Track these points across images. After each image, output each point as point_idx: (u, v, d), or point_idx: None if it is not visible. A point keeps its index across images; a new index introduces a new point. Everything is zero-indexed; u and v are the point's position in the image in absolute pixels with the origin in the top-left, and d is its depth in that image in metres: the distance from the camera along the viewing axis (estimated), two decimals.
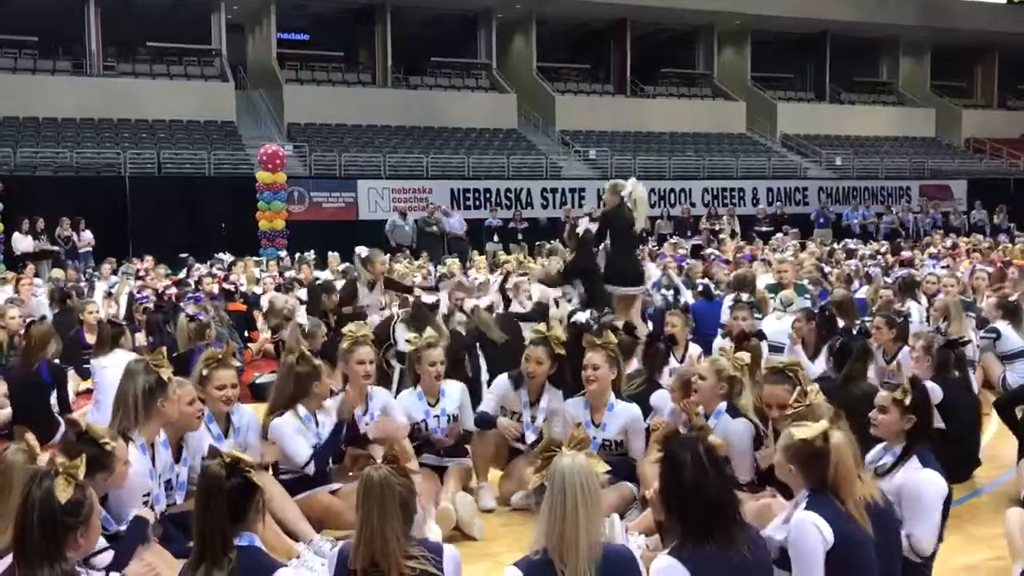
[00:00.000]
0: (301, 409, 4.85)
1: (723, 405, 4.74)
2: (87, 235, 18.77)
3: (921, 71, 36.02)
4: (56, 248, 17.85)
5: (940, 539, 3.86)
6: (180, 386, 4.25)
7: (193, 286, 12.08)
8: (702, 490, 2.95)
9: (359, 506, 3.04)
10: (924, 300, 9.42)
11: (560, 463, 2.93)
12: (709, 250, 16.69)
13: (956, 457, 5.49)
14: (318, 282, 8.73)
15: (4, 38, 25.61)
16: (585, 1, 29.12)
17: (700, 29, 33.19)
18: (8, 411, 6.90)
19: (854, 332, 6.10)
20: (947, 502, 3.87)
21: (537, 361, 5.34)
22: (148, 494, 3.88)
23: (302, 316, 9.10)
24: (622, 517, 4.72)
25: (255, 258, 16.29)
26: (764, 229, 22.65)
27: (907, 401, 3.92)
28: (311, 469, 4.68)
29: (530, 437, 5.32)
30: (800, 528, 3.12)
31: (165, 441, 4.20)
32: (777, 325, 7.45)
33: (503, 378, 5.49)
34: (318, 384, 4.91)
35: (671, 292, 10.24)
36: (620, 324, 6.53)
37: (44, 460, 3.09)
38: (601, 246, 9.00)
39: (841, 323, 6.95)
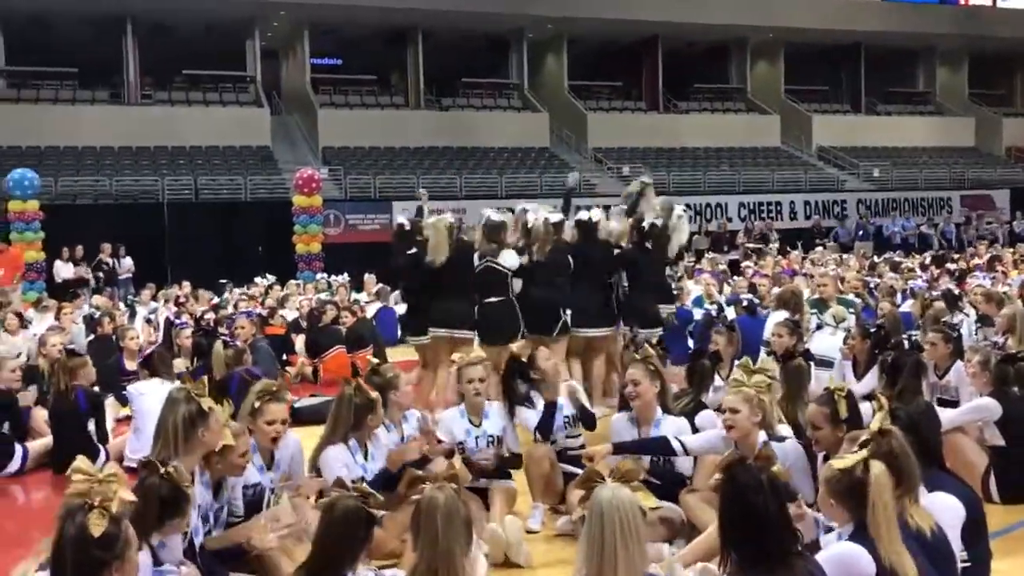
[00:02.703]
0: (351, 440, 4.79)
1: (763, 437, 4.46)
2: (127, 262, 18.95)
3: (959, 80, 35.51)
4: (87, 276, 18.00)
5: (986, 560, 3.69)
6: (236, 436, 4.16)
7: (231, 310, 12.12)
8: (764, 519, 2.83)
9: (422, 529, 2.95)
10: (973, 313, 9.20)
11: (599, 496, 2.80)
12: (746, 263, 16.50)
13: (1018, 475, 5.29)
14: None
15: (45, 70, 26.19)
16: (616, 19, 29.07)
17: (732, 43, 33.02)
18: (49, 440, 6.95)
19: (905, 347, 5.91)
20: (977, 521, 3.69)
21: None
22: (187, 525, 3.81)
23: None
24: (671, 543, 4.58)
25: (295, 281, 16.33)
26: (752, 246, 21.97)
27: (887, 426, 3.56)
28: None
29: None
30: (844, 560, 2.97)
31: (208, 481, 4.14)
32: (829, 341, 7.29)
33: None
34: (372, 417, 4.85)
35: (714, 307, 10.10)
36: None
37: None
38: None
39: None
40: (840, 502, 3.09)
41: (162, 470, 3.42)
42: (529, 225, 8.20)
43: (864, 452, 3.12)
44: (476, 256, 7.98)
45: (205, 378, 4.15)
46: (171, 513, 3.40)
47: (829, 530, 3.42)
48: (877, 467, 3.07)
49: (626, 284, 8.26)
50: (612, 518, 2.73)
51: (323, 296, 13.30)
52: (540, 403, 5.39)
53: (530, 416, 5.37)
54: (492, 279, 7.93)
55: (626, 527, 2.74)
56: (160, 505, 3.32)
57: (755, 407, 4.43)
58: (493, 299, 7.91)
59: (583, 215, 8.29)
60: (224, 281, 16.45)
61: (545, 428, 5.26)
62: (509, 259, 7.92)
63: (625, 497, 2.79)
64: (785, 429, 4.61)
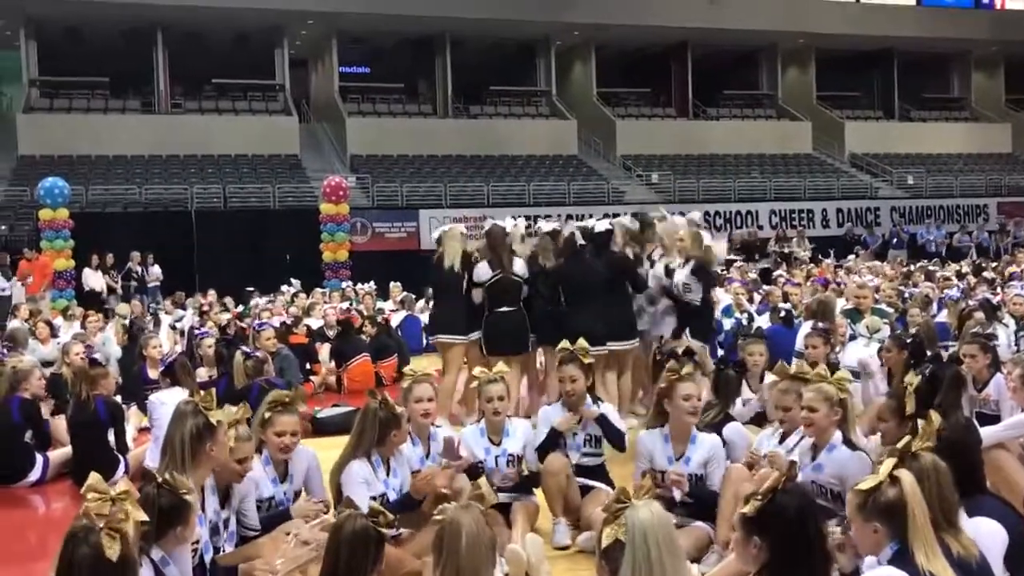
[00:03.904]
0: (374, 455, 4.66)
1: (838, 436, 4.38)
2: (155, 270, 19.02)
3: (995, 85, 34.92)
4: (115, 284, 18.07)
5: None
6: (238, 441, 4.05)
7: (254, 319, 12.08)
8: (808, 548, 2.71)
9: (446, 551, 2.85)
10: (1012, 323, 8.91)
11: (638, 517, 2.68)
12: (778, 272, 16.23)
13: None
14: None
15: (77, 80, 26.50)
16: (644, 25, 28.90)
17: (762, 49, 32.73)
18: (68, 449, 6.90)
19: (943, 359, 5.70)
20: (1021, 545, 3.45)
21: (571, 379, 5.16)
22: (197, 541, 3.70)
23: None
24: (698, 563, 4.41)
25: (320, 290, 16.29)
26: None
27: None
28: None
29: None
30: None
31: (213, 486, 4.03)
32: (864, 352, 7.10)
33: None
34: (397, 432, 4.71)
35: (744, 316, 9.90)
36: None
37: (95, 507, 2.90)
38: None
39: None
40: (877, 523, 2.89)
41: (159, 479, 3.32)
42: (522, 233, 8.14)
43: (887, 467, 2.94)
44: (487, 265, 7.85)
45: (213, 390, 4.03)
46: (172, 522, 3.28)
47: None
48: (906, 476, 2.90)
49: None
50: (656, 537, 2.65)
51: (344, 305, 13.21)
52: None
53: (539, 435, 5.23)
54: (507, 289, 7.81)
55: (668, 544, 2.67)
56: (159, 515, 3.20)
57: (835, 406, 4.33)
58: (506, 308, 7.80)
59: (599, 225, 8.05)
60: (250, 289, 16.45)
61: (544, 451, 5.12)
62: (521, 267, 7.84)
63: (661, 513, 2.73)
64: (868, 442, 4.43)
